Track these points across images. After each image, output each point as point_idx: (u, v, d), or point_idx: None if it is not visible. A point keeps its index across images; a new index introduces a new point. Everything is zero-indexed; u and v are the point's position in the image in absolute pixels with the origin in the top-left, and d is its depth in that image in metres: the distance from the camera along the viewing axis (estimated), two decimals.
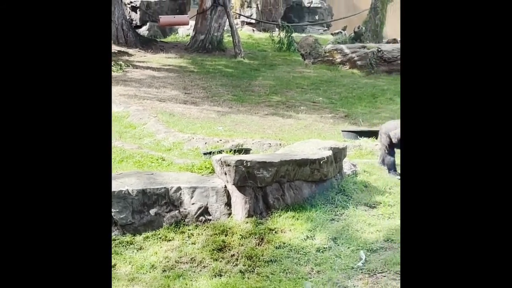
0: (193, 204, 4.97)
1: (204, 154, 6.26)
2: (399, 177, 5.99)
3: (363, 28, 15.88)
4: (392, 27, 18.28)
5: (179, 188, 4.99)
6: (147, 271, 4.36)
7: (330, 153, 5.44)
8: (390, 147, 6.16)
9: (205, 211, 4.99)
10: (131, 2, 17.82)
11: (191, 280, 4.25)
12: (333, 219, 5.01)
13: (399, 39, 15.30)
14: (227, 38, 15.88)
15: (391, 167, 6.16)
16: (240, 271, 4.34)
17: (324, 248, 4.54)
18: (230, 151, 5.93)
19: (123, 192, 4.82)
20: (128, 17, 16.84)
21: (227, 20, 15.39)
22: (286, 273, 4.28)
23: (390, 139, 6.14)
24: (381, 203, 5.39)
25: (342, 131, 8.22)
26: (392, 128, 6.16)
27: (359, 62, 13.42)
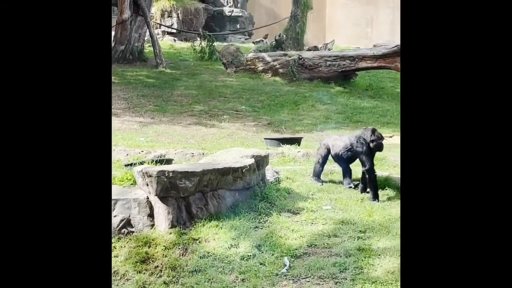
0: (115, 216, 4.89)
1: (126, 165, 6.17)
2: (320, 184, 6.11)
3: (284, 36, 16.04)
4: (313, 34, 18.55)
5: None
6: None
7: (252, 161, 5.46)
8: (324, 158, 6.24)
9: (127, 223, 4.92)
10: None
11: None
12: (257, 227, 5.02)
13: (319, 46, 15.54)
14: (148, 48, 15.74)
15: (316, 175, 6.22)
16: (164, 283, 4.29)
17: (248, 256, 4.54)
18: (152, 162, 5.87)
19: None
20: None
21: (148, 30, 15.25)
22: (211, 282, 4.26)
23: (328, 150, 6.21)
24: (304, 209, 5.45)
25: (265, 138, 8.26)
26: (333, 139, 6.25)
27: (281, 70, 13.54)
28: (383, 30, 20.66)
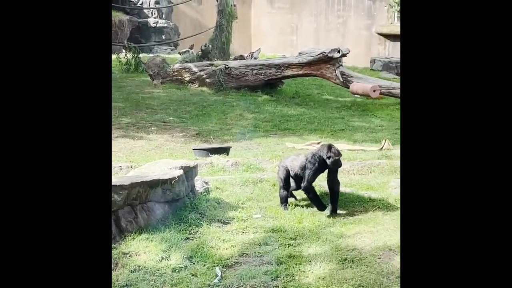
0: None
1: None
2: (287, 210, 5.85)
3: (210, 46, 16.05)
4: (239, 43, 18.63)
5: None
6: None
7: (181, 172, 5.44)
8: (286, 180, 5.98)
9: None
10: None
11: None
12: (188, 238, 5.00)
13: (246, 55, 15.62)
14: None
15: (283, 201, 5.96)
16: None
17: (179, 267, 4.51)
18: None
19: None
20: None
21: None
22: None
23: (288, 171, 5.97)
24: (234, 218, 5.46)
25: (193, 149, 8.24)
26: (290, 160, 6.03)
27: (207, 80, 13.54)
28: (307, 37, 20.96)
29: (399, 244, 4.73)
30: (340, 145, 9.03)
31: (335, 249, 4.78)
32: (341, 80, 13.12)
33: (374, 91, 12.65)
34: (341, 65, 13.36)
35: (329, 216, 5.61)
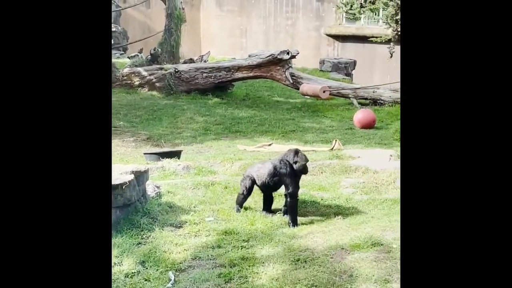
0: None
1: None
2: (239, 213, 5.78)
3: (159, 49, 15.94)
4: (188, 47, 18.57)
5: None
6: None
7: (132, 177, 5.39)
8: (249, 190, 5.86)
9: None
10: None
11: None
12: (140, 243, 4.96)
13: (195, 58, 15.56)
14: None
15: (239, 203, 5.88)
16: None
17: (132, 273, 4.47)
18: None
19: None
20: None
21: None
22: None
23: (253, 181, 5.84)
24: (186, 222, 5.44)
25: (144, 153, 8.18)
26: (256, 169, 5.89)
27: (157, 84, 13.46)
28: (257, 40, 21.02)
29: (351, 243, 4.79)
30: (291, 146, 9.11)
31: (287, 250, 4.80)
32: (291, 81, 13.20)
33: (324, 92, 12.77)
34: (291, 66, 13.44)
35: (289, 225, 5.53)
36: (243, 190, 5.89)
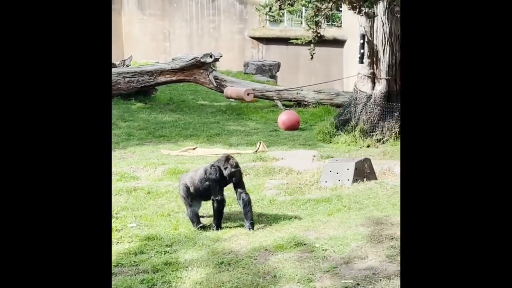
0: None
1: None
2: (199, 228, 5.58)
3: None
4: None
5: None
6: None
7: None
8: (189, 197, 5.70)
9: None
10: None
11: None
12: None
13: (117, 62, 15.32)
14: None
15: (194, 219, 5.67)
16: None
17: None
18: None
19: None
20: None
21: None
22: None
23: (188, 188, 5.70)
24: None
25: None
26: (189, 176, 5.78)
27: None
28: (180, 43, 20.90)
29: (274, 244, 4.81)
30: (215, 150, 9.09)
31: (211, 253, 4.77)
32: (215, 84, 13.18)
33: (248, 94, 12.80)
34: (214, 69, 13.42)
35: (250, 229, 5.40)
36: (184, 200, 5.73)
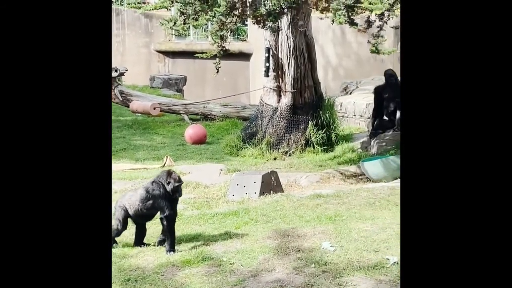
0: None
1: None
2: (141, 247, 5.29)
3: None
4: None
5: None
6: None
7: None
8: (124, 223, 5.30)
9: None
10: None
11: None
12: None
13: None
14: None
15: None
16: None
17: None
18: None
19: None
20: None
21: None
22: None
23: (126, 211, 5.29)
24: None
25: None
26: (128, 197, 5.35)
27: None
28: None
29: (182, 259, 4.77)
30: (121, 165, 8.96)
31: (118, 270, 4.67)
32: (121, 99, 13.02)
33: (155, 108, 12.70)
34: (120, 84, 13.25)
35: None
36: (117, 224, 5.32)
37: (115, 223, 5.34)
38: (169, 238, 5.11)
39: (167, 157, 9.01)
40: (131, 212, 5.30)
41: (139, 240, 5.42)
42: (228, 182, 7.23)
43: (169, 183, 5.15)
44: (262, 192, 6.86)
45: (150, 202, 5.19)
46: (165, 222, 5.13)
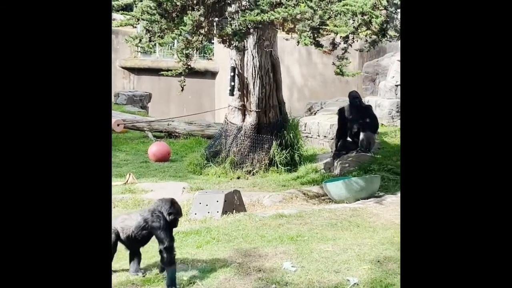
0: None
1: None
2: (139, 275, 4.95)
3: None
4: None
5: None
6: None
7: None
8: (114, 245, 4.89)
9: None
10: None
11: None
12: None
13: None
14: None
15: (133, 271, 5.01)
16: None
17: None
18: None
19: None
20: None
21: None
22: None
23: (117, 235, 4.93)
24: None
25: None
26: (120, 220, 5.00)
27: None
28: None
29: (141, 278, 4.72)
30: None
31: None
32: None
33: (118, 125, 12.63)
34: None
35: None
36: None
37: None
38: (169, 272, 4.64)
39: (129, 174, 8.94)
40: (123, 236, 4.96)
41: (137, 266, 5.05)
42: (190, 201, 7.20)
43: (170, 214, 4.80)
44: (224, 211, 6.84)
45: (146, 232, 4.88)
46: (165, 254, 4.70)
